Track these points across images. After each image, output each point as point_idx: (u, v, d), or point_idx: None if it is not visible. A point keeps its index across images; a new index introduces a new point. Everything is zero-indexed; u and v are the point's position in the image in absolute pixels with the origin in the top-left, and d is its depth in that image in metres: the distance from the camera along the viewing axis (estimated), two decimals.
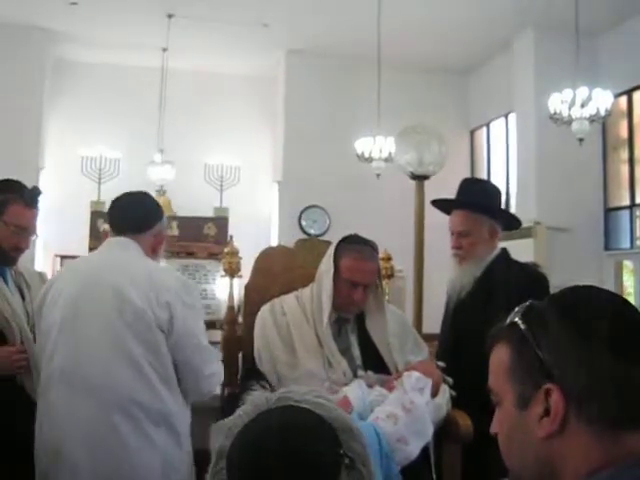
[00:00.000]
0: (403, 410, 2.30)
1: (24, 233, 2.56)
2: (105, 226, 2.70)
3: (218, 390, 2.95)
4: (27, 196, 2.54)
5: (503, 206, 3.04)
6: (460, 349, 2.75)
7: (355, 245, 2.61)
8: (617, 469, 0.93)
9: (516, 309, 1.07)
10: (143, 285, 2.19)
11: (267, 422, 0.92)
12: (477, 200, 2.91)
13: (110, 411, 2.09)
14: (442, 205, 3.06)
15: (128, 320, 2.14)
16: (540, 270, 2.93)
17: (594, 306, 1.02)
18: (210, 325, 5.47)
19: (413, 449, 2.27)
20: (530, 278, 2.81)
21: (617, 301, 1.06)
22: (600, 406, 0.95)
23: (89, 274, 2.28)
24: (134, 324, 2.14)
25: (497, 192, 3.04)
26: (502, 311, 1.12)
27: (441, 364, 2.64)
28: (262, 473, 0.86)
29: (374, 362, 2.57)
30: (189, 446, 2.30)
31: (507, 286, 2.67)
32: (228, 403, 2.65)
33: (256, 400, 0.96)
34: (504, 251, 2.94)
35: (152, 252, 2.42)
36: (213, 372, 2.33)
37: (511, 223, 3.01)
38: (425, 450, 2.34)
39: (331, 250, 2.63)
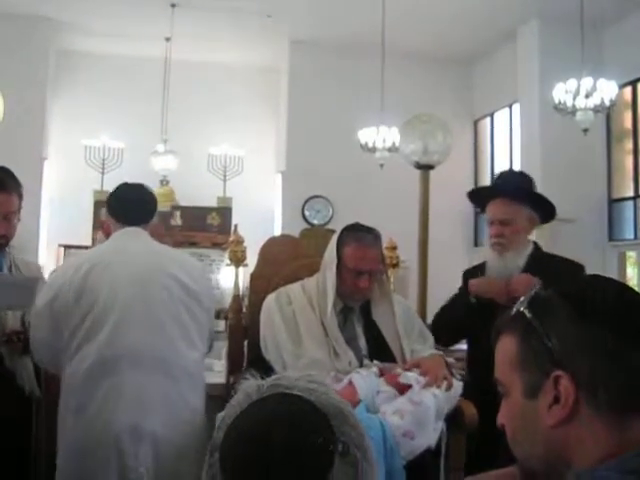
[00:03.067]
0: (410, 405, 2.30)
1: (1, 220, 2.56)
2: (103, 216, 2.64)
3: (223, 379, 2.97)
4: None
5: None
6: None
7: (357, 233, 2.60)
8: (627, 456, 0.93)
9: (521, 299, 1.07)
10: (186, 267, 2.44)
11: (258, 412, 0.91)
12: (517, 187, 2.87)
13: (179, 384, 2.26)
14: (478, 196, 3.01)
15: (185, 301, 2.34)
16: (574, 260, 2.85)
17: (599, 293, 1.02)
18: (215, 314, 5.50)
19: (419, 444, 2.27)
20: (574, 267, 2.77)
21: (622, 288, 1.06)
22: (609, 392, 0.95)
23: (143, 259, 2.39)
24: (189, 304, 2.35)
25: (532, 181, 3.00)
26: None
27: (451, 360, 2.63)
28: (255, 464, 0.86)
29: (380, 351, 2.58)
30: None
31: (557, 277, 2.61)
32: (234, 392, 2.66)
33: (247, 389, 0.96)
34: (537, 244, 2.91)
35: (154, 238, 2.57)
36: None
37: (547, 214, 2.95)
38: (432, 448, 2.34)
39: (334, 240, 2.63)
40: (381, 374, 2.44)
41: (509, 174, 3.18)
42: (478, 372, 2.53)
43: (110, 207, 2.53)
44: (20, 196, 2.61)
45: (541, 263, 2.77)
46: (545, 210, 2.92)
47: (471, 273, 2.96)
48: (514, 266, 2.78)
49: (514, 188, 2.86)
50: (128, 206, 2.50)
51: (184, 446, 2.22)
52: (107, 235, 2.53)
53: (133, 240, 2.44)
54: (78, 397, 2.21)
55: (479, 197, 3.03)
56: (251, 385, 0.96)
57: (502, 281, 2.71)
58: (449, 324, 2.93)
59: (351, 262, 2.55)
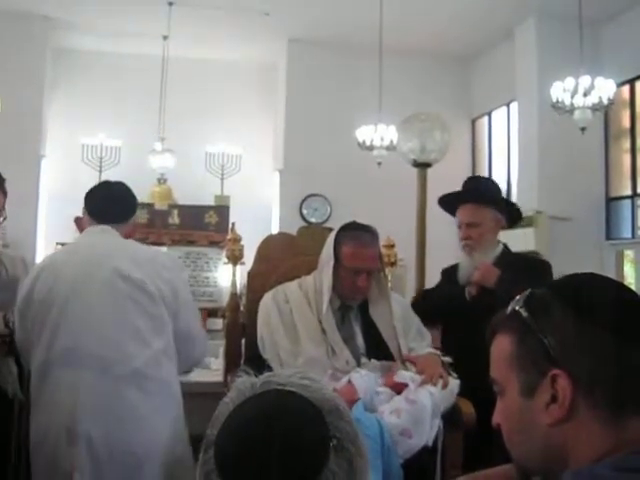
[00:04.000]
0: (407, 404, 2.30)
1: None
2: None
3: (221, 377, 2.97)
4: None
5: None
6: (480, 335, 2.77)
7: (355, 232, 2.60)
8: (623, 455, 0.93)
9: (516, 298, 1.07)
10: (144, 264, 2.29)
11: (252, 408, 0.91)
12: (482, 193, 3.13)
13: (119, 383, 2.13)
14: (448, 202, 3.20)
15: (131, 295, 2.21)
16: (544, 259, 3.10)
17: (596, 291, 1.02)
18: (212, 313, 5.50)
19: (416, 442, 2.27)
20: (541, 265, 3.11)
21: (618, 286, 1.07)
22: (606, 391, 0.95)
23: (87, 257, 2.30)
24: (137, 298, 2.21)
25: (499, 187, 3.32)
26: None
27: (447, 359, 2.63)
28: (249, 460, 0.86)
29: (378, 350, 2.57)
30: (183, 414, 2.36)
31: (523, 272, 2.80)
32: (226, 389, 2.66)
33: (241, 386, 0.96)
34: (506, 245, 3.15)
35: (126, 238, 2.49)
36: (205, 341, 2.55)
37: (513, 215, 3.20)
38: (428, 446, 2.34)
39: (331, 239, 2.62)
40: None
41: (476, 180, 3.46)
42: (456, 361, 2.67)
43: (86, 203, 2.50)
44: (5, 193, 2.62)
45: (508, 261, 3.02)
46: (511, 212, 3.18)
47: (448, 272, 3.21)
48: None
49: (480, 193, 3.13)
50: (102, 203, 2.47)
51: (128, 449, 2.11)
52: (80, 231, 2.55)
53: (94, 238, 2.40)
54: (32, 397, 2.25)
55: (449, 203, 3.22)
56: (245, 382, 0.96)
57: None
58: (438, 310, 3.10)
59: (349, 261, 2.55)
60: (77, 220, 2.59)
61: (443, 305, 3.08)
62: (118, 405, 2.13)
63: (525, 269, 2.88)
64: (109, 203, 2.47)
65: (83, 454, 2.08)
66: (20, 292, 2.32)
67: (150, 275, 2.26)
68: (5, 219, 2.63)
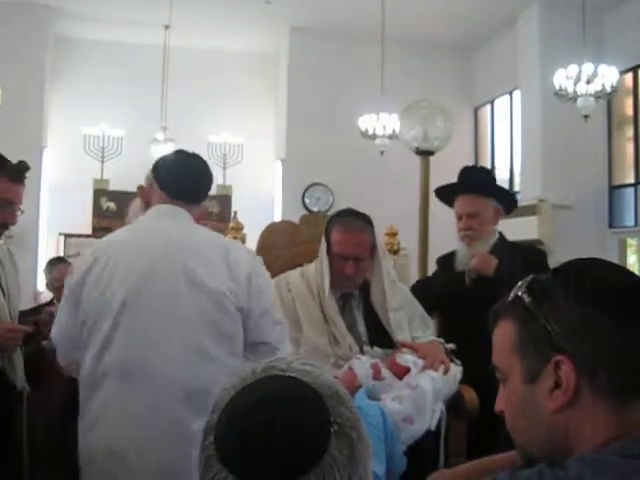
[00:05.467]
0: (408, 389, 2.30)
1: (10, 207, 2.51)
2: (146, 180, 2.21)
3: None
4: (11, 170, 2.47)
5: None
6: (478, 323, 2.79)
7: (345, 218, 2.58)
8: (628, 441, 0.92)
9: (519, 284, 1.06)
10: (217, 262, 1.96)
11: (252, 394, 0.90)
12: (480, 182, 3.10)
13: (174, 405, 1.86)
14: (445, 194, 3.18)
15: (203, 308, 1.91)
16: (539, 246, 3.10)
17: (598, 276, 1.01)
18: None
19: (418, 428, 2.27)
20: (536, 253, 3.13)
21: (620, 271, 1.06)
22: (609, 376, 0.94)
23: (155, 249, 1.97)
24: (210, 311, 1.91)
25: (494, 177, 3.29)
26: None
27: (450, 346, 2.63)
28: (248, 446, 0.85)
29: (380, 337, 2.57)
30: None
31: (514, 262, 2.83)
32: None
33: (241, 373, 0.95)
34: (502, 234, 3.14)
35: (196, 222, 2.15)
36: (288, 350, 2.11)
37: (510, 204, 3.18)
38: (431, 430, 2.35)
39: (325, 226, 2.62)
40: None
41: (472, 170, 3.40)
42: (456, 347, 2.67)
43: (160, 177, 2.11)
44: (24, 184, 2.60)
45: (504, 249, 3.01)
46: (508, 201, 3.16)
47: (444, 259, 3.22)
48: None
49: (479, 183, 3.09)
50: (182, 178, 2.10)
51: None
52: (146, 204, 2.16)
53: (167, 223, 2.04)
54: (80, 408, 1.99)
55: (445, 193, 3.20)
56: (245, 369, 0.95)
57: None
58: (437, 296, 3.08)
59: (337, 247, 2.53)
60: (142, 191, 2.20)
61: (441, 293, 3.07)
62: (172, 431, 1.86)
63: (521, 257, 2.90)
64: (190, 178, 2.11)
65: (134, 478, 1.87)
66: (71, 283, 2.01)
67: (224, 276, 1.94)
68: (22, 212, 2.55)
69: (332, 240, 2.55)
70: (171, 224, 2.03)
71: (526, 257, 2.92)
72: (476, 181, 3.11)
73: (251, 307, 1.98)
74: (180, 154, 2.17)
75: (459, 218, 3.07)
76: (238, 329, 1.96)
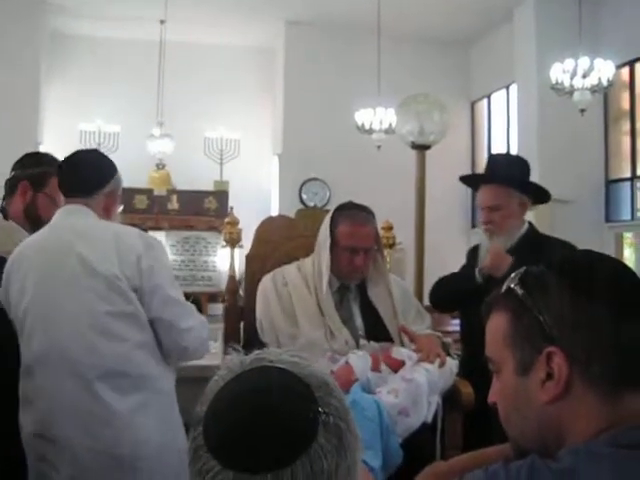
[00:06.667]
0: (403, 382, 2.31)
1: (56, 207, 2.52)
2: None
3: (219, 360, 2.96)
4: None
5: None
6: None
7: (350, 211, 2.60)
8: (620, 431, 0.93)
9: (511, 275, 1.06)
10: (108, 249, 2.09)
11: (240, 384, 0.91)
12: (506, 174, 2.90)
13: (92, 385, 2.01)
14: (469, 181, 3.08)
15: (100, 292, 2.05)
16: (569, 242, 2.87)
17: (592, 268, 1.02)
18: (211, 297, 5.50)
19: (414, 421, 2.28)
20: (564, 249, 2.78)
21: (614, 263, 1.06)
22: (602, 367, 0.95)
23: (52, 246, 2.13)
24: (108, 296, 2.05)
25: (525, 165, 3.02)
26: None
27: (447, 340, 2.64)
28: (236, 435, 0.85)
29: (377, 331, 2.58)
30: (177, 408, 2.22)
31: (541, 258, 2.66)
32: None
33: (230, 364, 0.95)
34: (532, 225, 2.95)
35: (105, 213, 2.26)
36: (190, 326, 2.18)
37: (540, 196, 3.00)
38: (428, 422, 2.35)
39: (327, 220, 2.62)
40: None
41: (501, 158, 3.22)
42: (472, 349, 2.58)
43: (57, 177, 2.27)
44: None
45: (532, 243, 2.82)
46: (538, 193, 2.97)
47: (470, 253, 3.06)
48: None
49: (505, 175, 2.89)
50: (66, 173, 2.22)
51: (113, 451, 2.02)
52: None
53: (62, 220, 2.19)
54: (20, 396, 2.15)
55: (470, 181, 3.10)
56: (234, 360, 0.96)
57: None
58: (449, 295, 2.99)
59: (346, 240, 2.55)
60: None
61: (455, 290, 2.93)
62: (95, 408, 2.02)
63: (549, 252, 2.65)
64: (72, 172, 2.22)
65: (66, 462, 2.01)
66: None
67: (115, 262, 2.07)
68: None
69: (339, 234, 2.56)
70: (69, 219, 2.19)
71: (554, 253, 2.76)
72: (503, 172, 2.91)
73: (142, 285, 2.10)
74: (73, 154, 2.28)
75: (481, 209, 2.92)
76: (138, 308, 2.10)
